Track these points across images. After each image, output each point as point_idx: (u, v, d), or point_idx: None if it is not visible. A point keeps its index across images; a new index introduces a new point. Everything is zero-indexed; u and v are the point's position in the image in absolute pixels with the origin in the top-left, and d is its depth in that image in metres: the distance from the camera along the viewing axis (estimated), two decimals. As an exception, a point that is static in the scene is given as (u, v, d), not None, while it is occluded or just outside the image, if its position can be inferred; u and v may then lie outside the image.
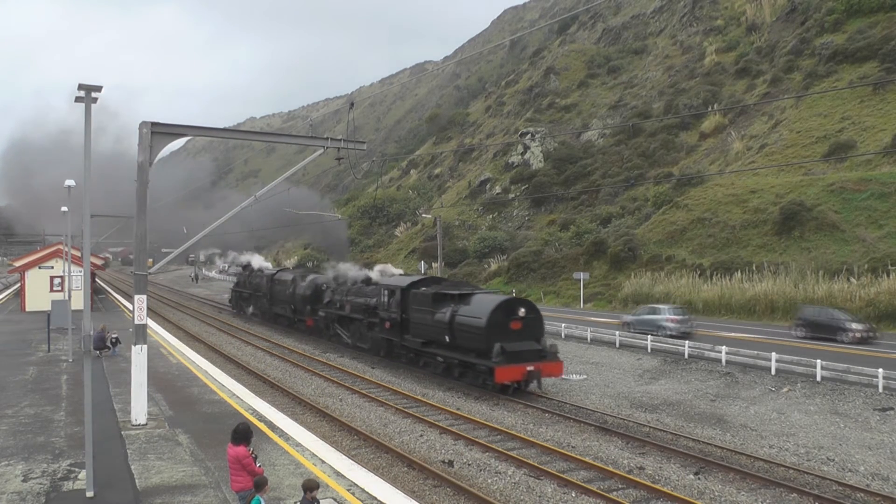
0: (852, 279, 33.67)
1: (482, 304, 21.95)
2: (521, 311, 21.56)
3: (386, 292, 27.23)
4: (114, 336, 26.54)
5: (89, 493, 10.90)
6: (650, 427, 18.01)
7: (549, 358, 21.52)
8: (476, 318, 21.49)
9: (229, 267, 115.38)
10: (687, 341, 27.08)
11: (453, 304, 23.01)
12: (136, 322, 15.39)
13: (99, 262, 52.99)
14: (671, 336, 29.68)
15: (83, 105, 11.94)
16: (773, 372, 22.82)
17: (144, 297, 15.50)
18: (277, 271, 42.81)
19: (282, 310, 39.60)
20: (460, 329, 22.28)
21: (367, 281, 31.52)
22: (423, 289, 25.38)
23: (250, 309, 45.80)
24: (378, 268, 34.33)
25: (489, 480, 14.12)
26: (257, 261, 50.35)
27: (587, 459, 15.17)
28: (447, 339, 22.90)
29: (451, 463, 15.20)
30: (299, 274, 39.04)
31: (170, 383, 20.47)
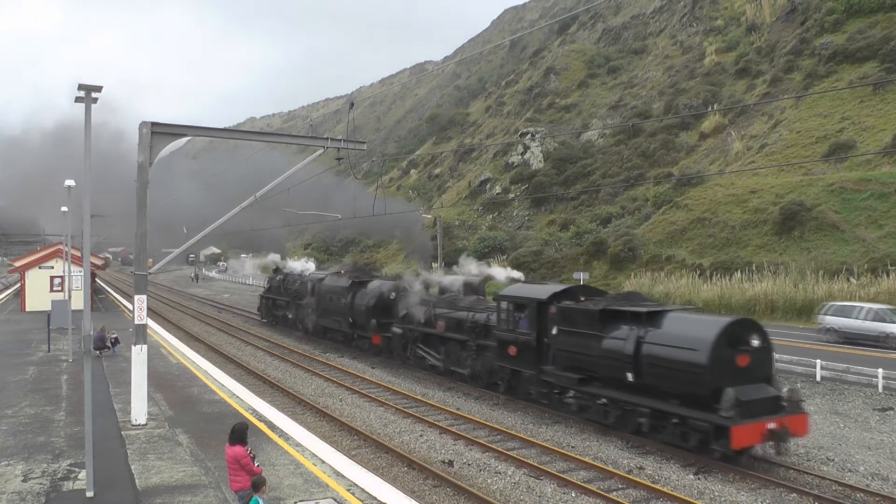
0: (852, 279, 33.68)
1: (693, 329, 15.49)
2: (754, 341, 14.99)
3: (510, 306, 20.38)
4: (113, 336, 26.55)
5: (89, 493, 10.91)
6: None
7: (791, 409, 14.93)
8: (688, 350, 14.91)
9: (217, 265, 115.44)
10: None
11: (637, 326, 16.32)
12: (136, 322, 15.40)
13: (99, 262, 52.95)
14: None
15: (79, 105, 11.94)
16: (773, 372, 22.79)
17: (144, 297, 15.51)
18: (327, 275, 35.39)
19: (334, 323, 32.54)
20: (656, 364, 15.62)
21: (471, 289, 25.35)
22: (579, 303, 18.53)
23: (288, 317, 39.14)
24: (447, 277, 27.43)
25: (489, 480, 14.13)
26: (298, 263, 42.84)
27: (587, 459, 15.18)
28: (629, 376, 16.09)
29: (451, 463, 15.22)
30: (358, 278, 31.85)
31: (170, 383, 20.48)
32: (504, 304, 20.70)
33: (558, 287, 20.38)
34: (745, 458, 14.81)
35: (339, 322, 32.12)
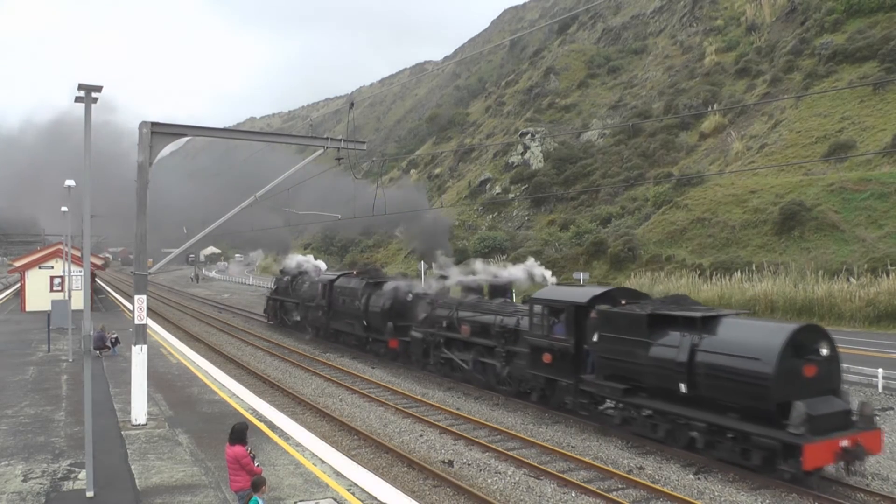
0: (852, 279, 33.68)
1: (755, 336, 14.17)
2: (823, 349, 13.76)
3: (544, 310, 18.89)
4: (113, 336, 26.56)
5: (89, 493, 10.92)
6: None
7: (863, 424, 13.68)
8: (750, 359, 13.60)
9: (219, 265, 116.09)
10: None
11: (690, 332, 14.90)
12: (136, 322, 15.41)
13: (99, 262, 52.96)
14: None
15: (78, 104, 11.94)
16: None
17: (144, 297, 15.52)
18: (339, 276, 33.64)
19: (347, 326, 31.19)
20: (713, 375, 14.25)
21: (500, 291, 23.63)
22: (622, 307, 17.14)
23: (297, 320, 37.64)
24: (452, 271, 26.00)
25: (489, 480, 14.13)
26: (305, 262, 40.95)
27: (587, 459, 15.18)
28: (682, 387, 14.72)
29: (450, 463, 15.23)
30: (372, 279, 30.54)
31: (170, 383, 20.48)
32: (538, 308, 19.14)
33: (598, 289, 18.80)
34: (815, 479, 13.37)
35: (352, 325, 30.66)
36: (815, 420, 12.95)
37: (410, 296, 27.16)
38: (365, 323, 29.37)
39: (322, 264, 41.69)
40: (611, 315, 16.84)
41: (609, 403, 17.06)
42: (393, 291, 27.93)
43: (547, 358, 18.65)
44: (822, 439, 12.88)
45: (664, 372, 15.14)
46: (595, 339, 17.14)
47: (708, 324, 14.89)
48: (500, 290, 23.73)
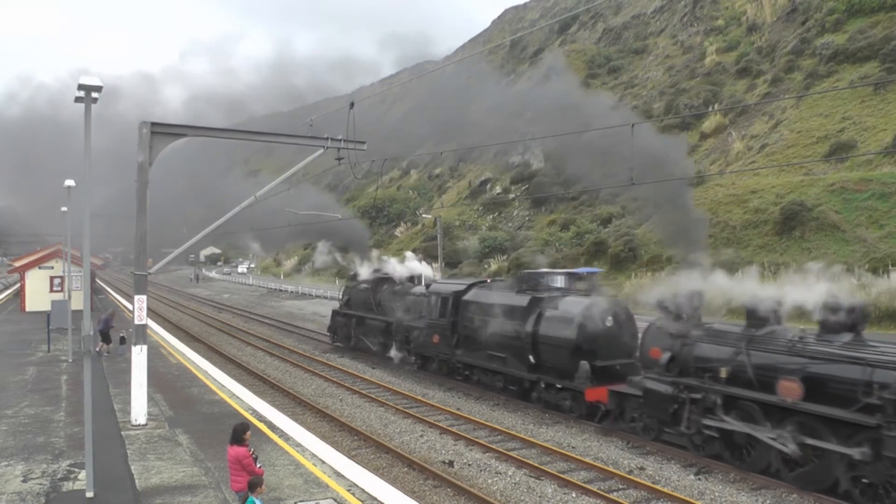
0: (853, 279, 33.63)
1: None
2: None
3: None
4: (121, 335, 26.45)
5: (89, 494, 10.90)
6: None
7: None
8: None
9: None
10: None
11: None
12: (136, 322, 15.39)
13: (98, 262, 52.93)
14: None
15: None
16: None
17: (144, 297, 15.50)
18: (469, 287, 23.93)
19: (493, 361, 21.52)
20: None
21: (841, 321, 13.16)
22: None
23: (391, 347, 27.62)
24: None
25: (489, 481, 14.11)
26: (400, 266, 30.17)
27: (587, 460, 15.16)
28: None
29: (451, 463, 15.21)
30: (537, 291, 20.98)
31: (170, 383, 20.46)
32: None
33: None
34: None
35: (503, 360, 21.07)
36: None
37: (611, 320, 18.65)
38: (532, 360, 19.88)
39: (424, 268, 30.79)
40: None
41: None
42: (583, 313, 18.52)
43: None
44: None
45: None
46: None
47: None
48: (842, 319, 13.26)
